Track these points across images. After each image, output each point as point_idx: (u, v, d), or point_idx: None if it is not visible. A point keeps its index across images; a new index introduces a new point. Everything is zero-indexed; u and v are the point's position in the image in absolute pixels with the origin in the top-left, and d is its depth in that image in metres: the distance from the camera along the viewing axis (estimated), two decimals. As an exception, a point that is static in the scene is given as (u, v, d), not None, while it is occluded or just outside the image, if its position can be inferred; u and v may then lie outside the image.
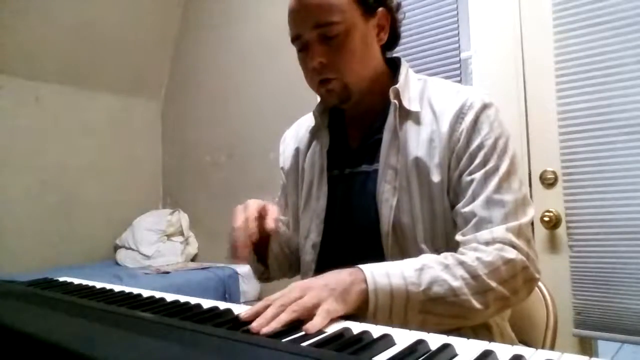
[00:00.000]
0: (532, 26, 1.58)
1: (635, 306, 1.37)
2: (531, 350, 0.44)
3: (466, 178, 0.78)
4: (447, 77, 1.71)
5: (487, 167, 0.77)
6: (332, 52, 0.81)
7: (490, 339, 0.76)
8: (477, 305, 0.68)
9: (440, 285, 0.67)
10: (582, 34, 1.46)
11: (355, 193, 0.87)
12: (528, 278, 0.73)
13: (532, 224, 0.86)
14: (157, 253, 2.69)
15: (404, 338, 0.50)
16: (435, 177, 0.79)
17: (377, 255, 0.81)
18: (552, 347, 0.91)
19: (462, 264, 0.69)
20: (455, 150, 0.79)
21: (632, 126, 1.38)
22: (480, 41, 1.72)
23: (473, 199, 0.76)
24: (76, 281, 0.94)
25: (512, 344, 0.52)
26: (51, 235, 2.60)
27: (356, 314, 0.62)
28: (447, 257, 0.71)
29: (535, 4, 1.57)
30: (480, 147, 0.78)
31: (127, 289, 0.82)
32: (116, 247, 2.82)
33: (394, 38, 0.91)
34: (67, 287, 0.88)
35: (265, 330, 0.53)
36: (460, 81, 1.74)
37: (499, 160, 0.78)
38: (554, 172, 1.52)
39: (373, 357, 0.45)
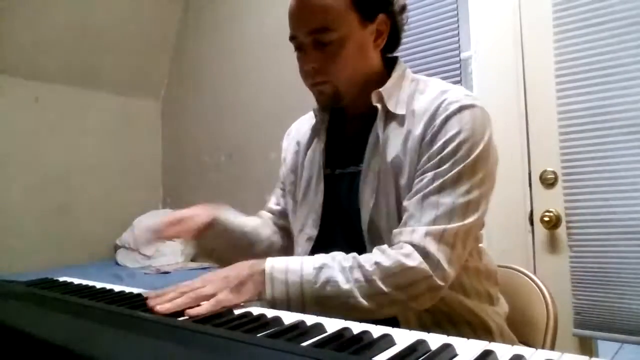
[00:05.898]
0: (532, 26, 1.58)
1: (635, 306, 1.37)
2: (531, 350, 0.44)
3: (419, 176, 0.78)
4: (447, 77, 1.71)
5: (440, 169, 0.76)
6: (324, 59, 0.82)
7: (491, 339, 0.76)
8: (367, 305, 0.71)
9: (332, 286, 0.71)
10: (582, 34, 1.46)
11: (343, 194, 0.88)
12: (431, 286, 0.72)
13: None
14: (157, 253, 2.68)
15: (404, 338, 0.50)
16: (404, 179, 0.80)
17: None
18: (552, 347, 0.91)
19: (360, 267, 0.72)
20: (422, 150, 0.79)
21: (632, 126, 1.38)
22: (480, 41, 1.72)
23: (414, 195, 0.77)
24: (76, 281, 0.94)
25: (512, 344, 0.52)
26: (51, 235, 2.59)
27: (260, 300, 0.71)
28: (349, 258, 0.74)
29: (535, 4, 1.57)
30: (442, 148, 0.77)
31: (127, 289, 0.82)
32: (116, 247, 2.81)
33: (395, 41, 0.90)
34: (67, 287, 0.88)
35: (159, 308, 0.62)
36: (460, 81, 1.74)
37: (453, 164, 0.76)
38: (554, 172, 1.52)
39: (373, 357, 0.45)
